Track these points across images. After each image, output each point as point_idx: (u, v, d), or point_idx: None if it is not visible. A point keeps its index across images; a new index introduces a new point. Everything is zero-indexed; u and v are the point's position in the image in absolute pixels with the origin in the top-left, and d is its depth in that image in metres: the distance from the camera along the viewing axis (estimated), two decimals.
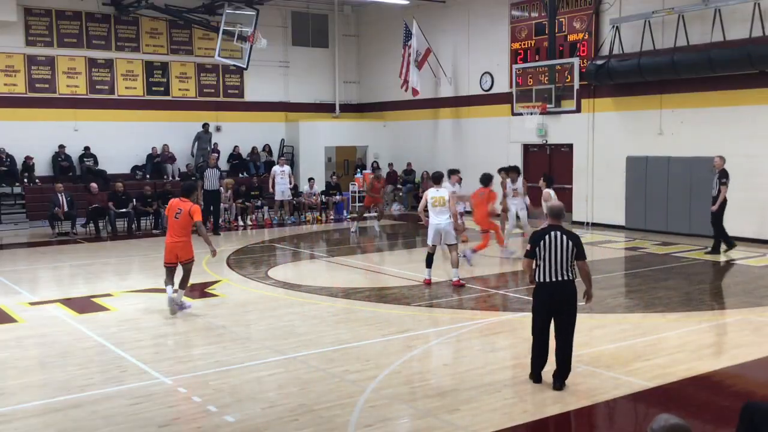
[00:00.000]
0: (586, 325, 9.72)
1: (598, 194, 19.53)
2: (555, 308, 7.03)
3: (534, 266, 7.09)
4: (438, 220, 11.62)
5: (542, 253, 6.95)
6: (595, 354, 8.32)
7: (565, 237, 6.96)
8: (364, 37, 27.34)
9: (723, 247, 14.94)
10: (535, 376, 7.18)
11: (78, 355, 8.44)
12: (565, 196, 20.52)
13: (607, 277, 13.26)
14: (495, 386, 7.21)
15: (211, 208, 18.84)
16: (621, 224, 18.92)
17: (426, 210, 11.90)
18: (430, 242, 11.91)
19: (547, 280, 6.97)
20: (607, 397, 6.93)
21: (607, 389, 7.11)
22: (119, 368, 7.91)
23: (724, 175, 14.60)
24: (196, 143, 23.14)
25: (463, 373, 7.63)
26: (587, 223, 19.59)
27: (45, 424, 6.39)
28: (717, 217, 14.84)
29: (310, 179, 22.35)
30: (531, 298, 10.65)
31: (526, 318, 9.94)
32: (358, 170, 24.51)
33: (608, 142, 19.27)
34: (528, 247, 7.13)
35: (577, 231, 17.25)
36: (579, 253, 6.98)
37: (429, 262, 11.98)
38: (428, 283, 11.91)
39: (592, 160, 19.65)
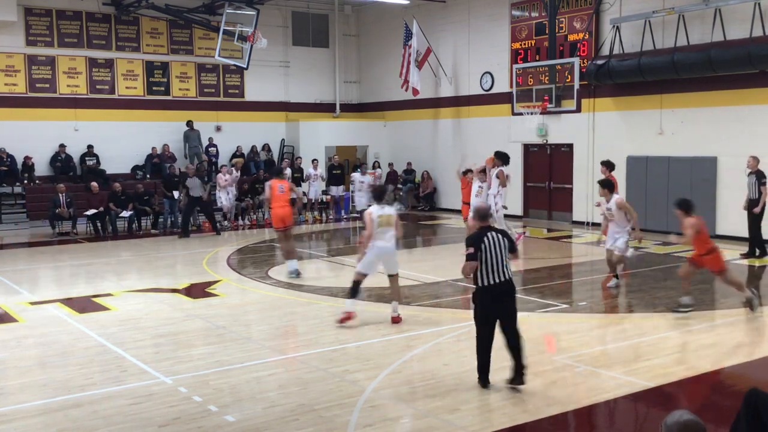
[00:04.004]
0: (586, 325, 9.72)
1: (598, 194, 19.48)
2: (498, 309, 6.96)
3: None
4: (384, 242, 9.61)
5: (484, 256, 6.85)
6: (595, 354, 8.32)
7: (500, 236, 7.01)
8: (364, 37, 27.33)
9: (757, 251, 14.49)
10: (484, 381, 7.07)
11: (78, 354, 8.44)
12: (565, 195, 20.56)
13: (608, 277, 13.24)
14: (495, 386, 7.20)
15: (199, 210, 19.00)
16: None
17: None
18: (363, 269, 9.69)
19: (492, 282, 6.88)
20: (608, 397, 6.93)
21: (608, 389, 7.11)
22: (119, 368, 7.91)
23: (762, 176, 14.11)
24: (186, 144, 23.17)
25: (463, 373, 7.62)
26: (587, 223, 19.59)
27: (45, 424, 6.39)
28: (757, 220, 14.37)
29: (314, 160, 22.31)
30: (531, 298, 10.62)
31: (527, 318, 9.94)
32: (358, 170, 24.47)
33: (608, 141, 19.26)
34: (470, 250, 6.90)
35: (577, 231, 17.38)
36: (512, 246, 7.08)
37: (355, 291, 9.73)
38: (351, 317, 9.58)
39: (592, 159, 19.62)
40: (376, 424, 6.28)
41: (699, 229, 9.93)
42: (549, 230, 19.44)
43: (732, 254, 14.87)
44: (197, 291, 12.01)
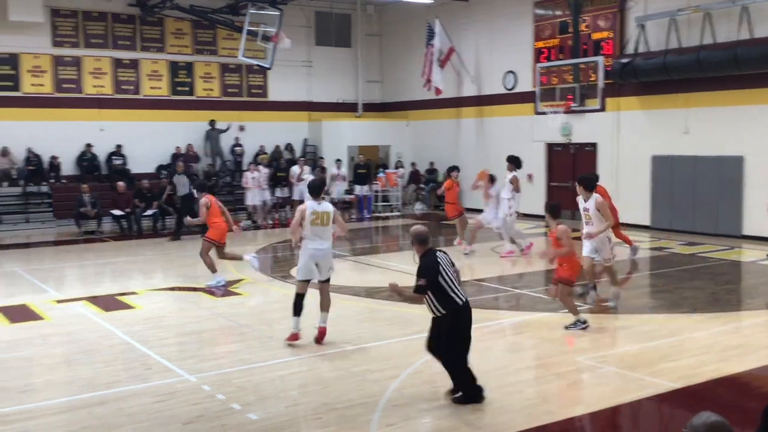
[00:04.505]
0: (611, 325, 9.64)
1: (623, 194, 19.30)
2: (469, 328, 6.64)
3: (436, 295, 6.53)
4: (317, 243, 8.61)
5: (445, 278, 6.49)
6: (619, 355, 8.25)
7: (445, 253, 6.73)
8: (387, 37, 27.33)
9: None
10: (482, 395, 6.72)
11: (103, 352, 8.53)
12: None
13: (632, 278, 13.14)
14: (517, 386, 7.18)
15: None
16: (646, 224, 18.73)
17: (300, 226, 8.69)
18: (302, 276, 8.75)
19: (461, 301, 6.55)
20: (632, 398, 6.86)
21: (632, 390, 7.04)
22: (144, 366, 7.98)
23: None
24: (208, 143, 23.33)
25: (485, 373, 7.58)
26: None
27: (70, 421, 6.46)
28: None
29: (338, 160, 22.39)
30: (548, 298, 10.49)
31: (549, 318, 9.90)
32: (381, 170, 24.51)
33: (633, 141, 19.09)
34: (421, 281, 6.47)
35: None
36: (452, 263, 6.75)
37: (299, 308, 8.69)
38: (297, 338, 8.67)
39: (616, 159, 19.48)
40: (398, 423, 6.27)
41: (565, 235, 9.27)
42: (573, 230, 19.24)
43: (758, 255, 14.68)
44: (221, 290, 12.07)
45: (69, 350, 8.69)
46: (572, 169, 21.06)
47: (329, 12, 26.19)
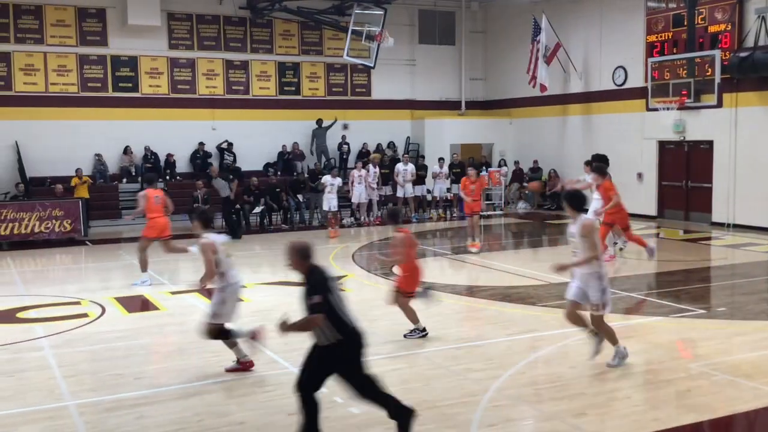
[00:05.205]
0: (725, 332, 9.21)
1: (741, 194, 18.39)
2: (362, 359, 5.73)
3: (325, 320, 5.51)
4: (237, 279, 8.09)
5: (336, 298, 5.58)
6: (734, 362, 7.86)
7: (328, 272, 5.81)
8: (491, 34, 27.06)
9: None
10: None
11: (214, 342, 8.84)
12: (704, 195, 19.52)
13: (750, 282, 12.49)
14: (624, 392, 6.98)
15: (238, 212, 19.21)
16: (766, 226, 17.75)
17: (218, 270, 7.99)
18: (231, 320, 7.86)
19: (355, 327, 5.62)
20: (747, 408, 6.54)
21: (747, 400, 6.71)
22: (251, 357, 8.23)
23: None
24: (314, 141, 23.79)
25: (590, 377, 7.41)
26: (728, 225, 18.54)
27: (183, 407, 6.76)
28: None
29: (440, 159, 22.46)
30: (664, 302, 10.14)
31: (657, 323, 9.56)
32: (484, 168, 24.30)
33: (752, 139, 18.13)
34: (315, 299, 5.47)
35: (716, 233, 16.47)
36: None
37: (227, 333, 7.74)
38: (251, 366, 7.78)
39: (734, 158, 18.54)
40: (499, 424, 6.22)
41: (409, 244, 8.79)
42: (685, 231, 18.53)
43: None
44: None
45: (182, 339, 9.10)
46: (686, 168, 20.23)
47: (433, 10, 26.20)
